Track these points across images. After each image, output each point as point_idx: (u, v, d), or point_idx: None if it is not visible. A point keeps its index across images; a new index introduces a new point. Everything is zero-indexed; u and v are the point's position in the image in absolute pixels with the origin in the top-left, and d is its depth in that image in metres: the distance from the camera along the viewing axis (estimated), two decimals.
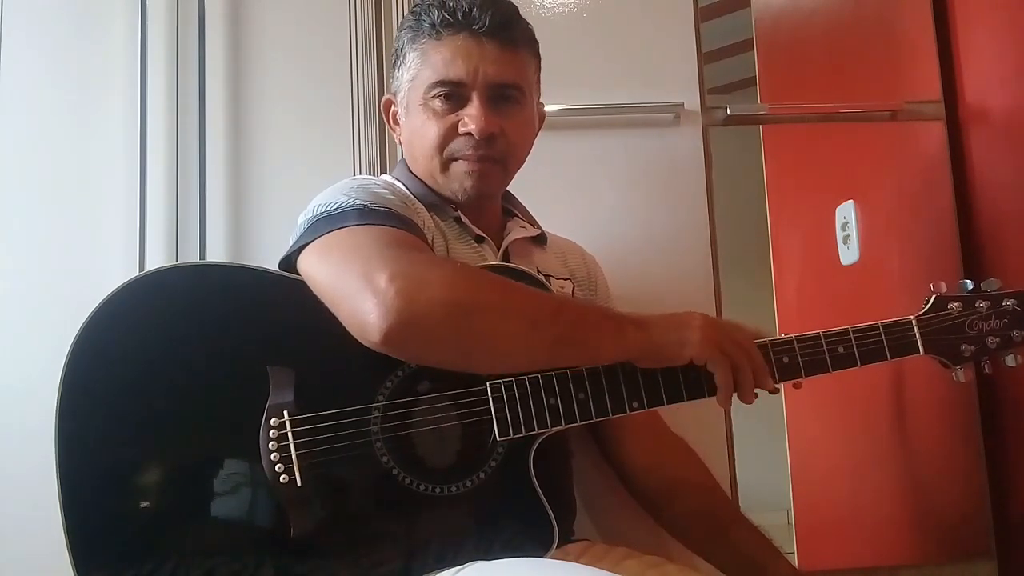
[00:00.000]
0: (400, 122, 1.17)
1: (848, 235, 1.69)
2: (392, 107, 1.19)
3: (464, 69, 1.07)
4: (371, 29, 1.50)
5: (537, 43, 1.17)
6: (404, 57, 1.13)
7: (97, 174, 1.43)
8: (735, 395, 0.99)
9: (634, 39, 1.52)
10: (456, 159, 1.10)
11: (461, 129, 1.08)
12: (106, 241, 1.41)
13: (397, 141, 1.21)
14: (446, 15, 1.08)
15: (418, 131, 1.11)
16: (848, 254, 1.70)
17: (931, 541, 1.60)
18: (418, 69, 1.11)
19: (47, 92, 1.44)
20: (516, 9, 1.13)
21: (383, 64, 1.48)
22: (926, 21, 1.59)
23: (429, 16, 1.09)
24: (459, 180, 1.10)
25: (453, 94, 1.09)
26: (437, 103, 1.09)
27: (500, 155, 1.11)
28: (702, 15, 1.54)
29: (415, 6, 1.14)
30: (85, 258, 1.40)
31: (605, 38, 1.52)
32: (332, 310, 0.93)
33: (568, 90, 1.45)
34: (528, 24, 1.15)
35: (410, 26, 1.12)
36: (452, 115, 1.09)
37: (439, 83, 1.09)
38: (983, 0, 1.53)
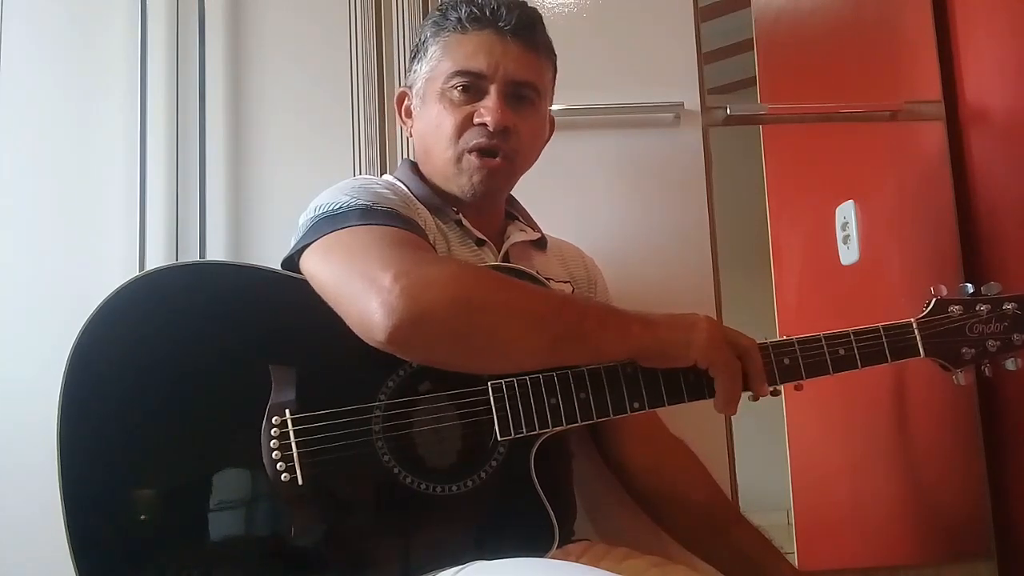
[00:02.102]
0: (414, 114, 1.17)
1: (848, 235, 1.69)
2: (406, 100, 1.19)
3: (486, 62, 1.09)
4: (371, 29, 1.50)
5: (555, 55, 1.18)
6: (426, 50, 1.14)
7: (97, 174, 1.43)
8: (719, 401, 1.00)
9: (634, 39, 1.52)
10: (469, 152, 1.10)
11: (476, 120, 1.09)
12: (106, 241, 1.41)
13: (408, 134, 1.22)
14: (474, 10, 1.10)
15: (433, 121, 1.12)
16: (848, 254, 1.70)
17: (931, 541, 1.60)
18: (438, 61, 1.12)
19: (47, 92, 1.44)
20: (541, 17, 1.15)
21: (383, 64, 1.48)
22: (926, 21, 1.59)
23: (456, 11, 1.11)
24: (469, 174, 1.11)
25: (472, 86, 1.10)
26: (455, 93, 1.10)
27: (511, 151, 1.11)
28: (702, 15, 1.54)
29: (441, 4, 1.16)
30: (85, 258, 1.40)
31: (605, 38, 1.52)
32: (336, 310, 0.93)
33: (568, 90, 1.44)
34: (548, 36, 1.16)
35: (435, 21, 1.14)
36: (468, 106, 1.10)
37: (459, 72, 1.10)
38: (983, 0, 1.53)
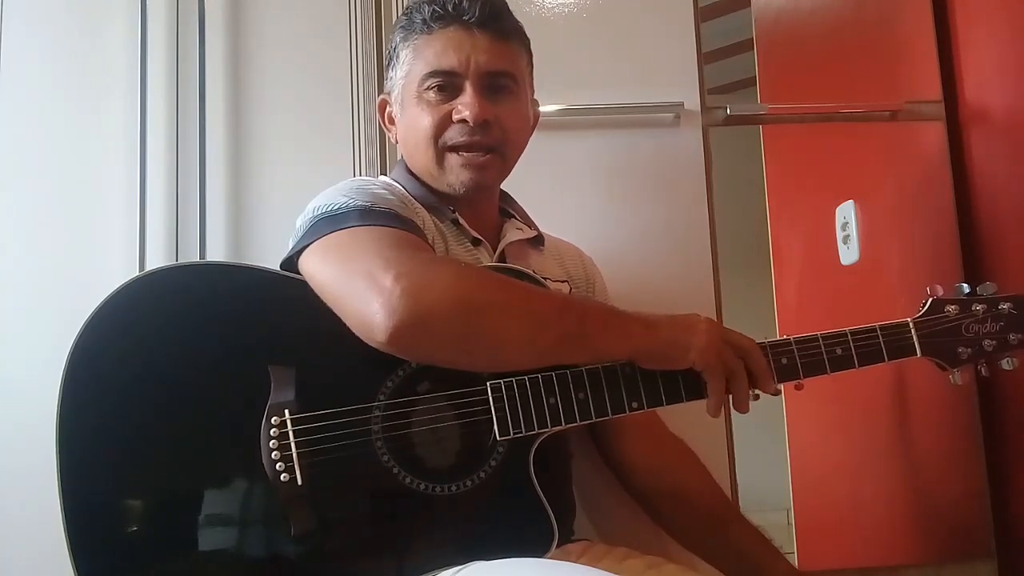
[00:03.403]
0: (396, 120, 1.17)
1: (848, 235, 1.69)
2: (387, 107, 1.19)
3: (456, 59, 1.09)
4: (371, 29, 1.50)
5: (527, 39, 1.18)
6: (398, 56, 1.14)
7: (97, 174, 1.43)
8: (729, 402, 1.00)
9: (634, 39, 1.52)
10: (452, 150, 1.10)
11: (455, 117, 1.09)
12: (106, 241, 1.41)
13: (393, 141, 1.22)
14: (436, 8, 1.10)
15: (413, 124, 1.12)
16: (848, 254, 1.70)
17: (931, 541, 1.60)
18: (411, 64, 1.12)
19: (47, 92, 1.44)
20: (505, 3, 1.15)
21: (383, 64, 1.48)
22: (926, 21, 1.59)
23: (420, 13, 1.11)
24: (455, 173, 1.10)
25: (447, 84, 1.10)
26: (431, 94, 1.10)
27: (495, 143, 1.11)
28: (702, 15, 1.54)
29: (407, 8, 1.16)
30: (85, 258, 1.40)
31: (605, 38, 1.52)
32: (336, 311, 0.93)
33: (568, 90, 1.45)
34: (517, 20, 1.16)
35: (402, 26, 1.14)
36: (446, 105, 1.10)
37: (432, 73, 1.10)
38: (983, 0, 1.53)
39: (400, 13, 1.23)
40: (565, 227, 1.34)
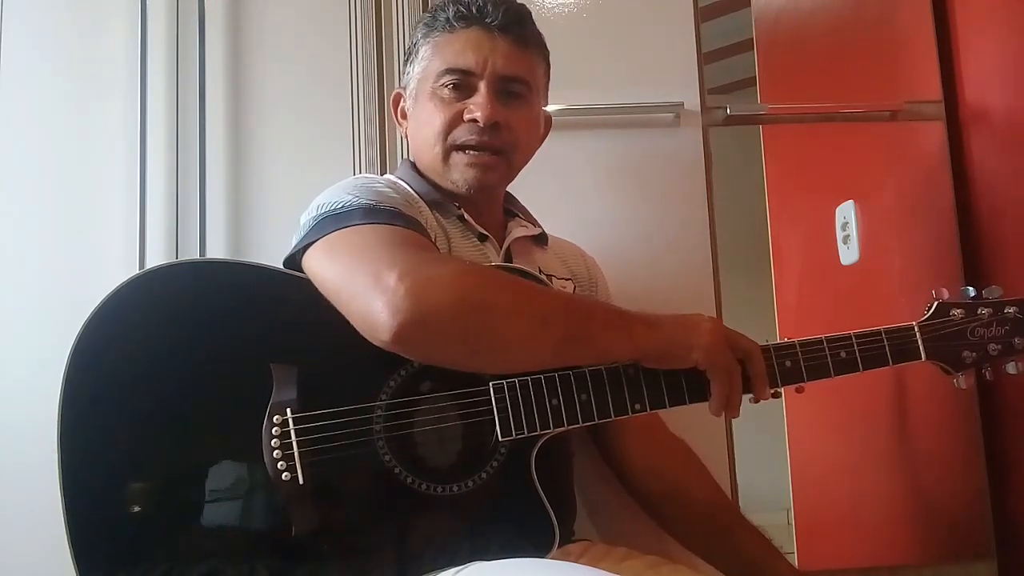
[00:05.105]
0: (408, 115, 1.18)
1: (848, 235, 1.69)
2: (402, 102, 1.20)
3: (474, 59, 1.10)
4: (371, 29, 1.50)
5: (547, 50, 1.19)
6: (417, 52, 1.16)
7: (97, 174, 1.43)
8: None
9: (634, 39, 1.52)
10: (459, 148, 1.10)
11: (466, 116, 1.09)
12: (106, 241, 1.41)
13: (403, 135, 1.22)
14: (461, 8, 1.11)
15: (424, 120, 1.13)
16: (848, 254, 1.70)
17: (931, 541, 1.60)
18: (429, 60, 1.13)
19: (47, 91, 1.44)
20: (530, 13, 1.16)
21: (383, 64, 1.48)
22: (926, 21, 1.59)
23: (445, 12, 1.13)
24: (460, 171, 1.11)
25: (462, 83, 1.10)
26: (445, 92, 1.11)
27: (503, 146, 1.11)
28: (702, 15, 1.54)
29: (432, 7, 1.17)
30: (85, 258, 1.40)
31: (605, 38, 1.52)
32: (340, 309, 0.93)
33: (568, 90, 1.45)
34: (539, 31, 1.17)
35: (426, 23, 1.16)
36: (459, 103, 1.10)
37: (448, 70, 1.11)
38: (983, 0, 1.53)
39: (408, 12, 1.24)
40: (565, 227, 1.34)
